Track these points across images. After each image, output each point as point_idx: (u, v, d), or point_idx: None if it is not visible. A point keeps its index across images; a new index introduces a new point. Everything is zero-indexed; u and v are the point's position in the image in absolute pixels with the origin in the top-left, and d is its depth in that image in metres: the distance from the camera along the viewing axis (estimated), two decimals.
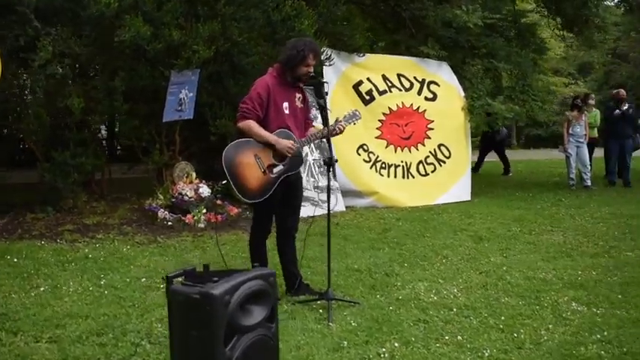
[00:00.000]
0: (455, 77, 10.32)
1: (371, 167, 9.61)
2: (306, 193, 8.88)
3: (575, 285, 5.20)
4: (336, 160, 4.62)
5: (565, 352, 3.75)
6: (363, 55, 9.69)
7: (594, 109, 12.29)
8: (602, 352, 3.73)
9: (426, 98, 10.06)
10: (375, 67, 9.82)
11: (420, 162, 9.97)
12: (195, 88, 8.12)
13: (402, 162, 9.87)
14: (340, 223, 8.09)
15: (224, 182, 4.55)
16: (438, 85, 10.13)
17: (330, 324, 4.19)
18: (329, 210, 4.75)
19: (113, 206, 8.36)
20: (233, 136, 4.76)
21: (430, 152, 10.02)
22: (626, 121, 11.78)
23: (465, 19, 9.32)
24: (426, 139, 10.03)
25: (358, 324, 4.22)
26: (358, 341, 3.91)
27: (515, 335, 4.03)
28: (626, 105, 11.86)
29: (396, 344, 3.85)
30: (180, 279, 2.84)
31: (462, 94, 10.23)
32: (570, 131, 11.36)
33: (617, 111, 11.73)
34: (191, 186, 8.10)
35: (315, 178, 9.01)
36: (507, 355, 3.73)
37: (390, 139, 9.84)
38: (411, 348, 3.81)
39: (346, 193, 9.32)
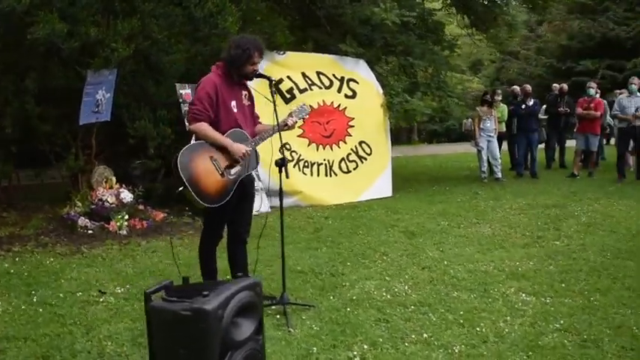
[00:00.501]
0: (372, 74, 10.41)
1: (294, 166, 9.49)
2: None
3: (517, 276, 5.34)
4: (289, 161, 4.50)
5: (530, 343, 3.82)
6: (284, 53, 9.57)
7: (501, 104, 12.77)
8: (565, 341, 3.82)
9: (346, 96, 10.07)
10: (295, 65, 9.72)
11: (342, 159, 9.98)
12: (113, 88, 7.71)
13: (324, 160, 9.83)
14: (269, 224, 7.92)
15: (180, 189, 4.28)
16: (357, 83, 10.17)
17: (291, 329, 4.07)
18: (282, 211, 4.62)
19: (25, 216, 7.82)
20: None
21: (352, 149, 10.05)
22: (531, 115, 12.32)
23: (382, 17, 9.39)
24: (347, 137, 10.03)
25: (320, 328, 4.12)
26: (325, 346, 3.81)
27: (478, 329, 4.06)
28: (532, 100, 12.41)
29: (365, 346, 3.79)
30: (159, 294, 2.62)
31: (380, 90, 10.33)
32: (481, 126, 11.74)
33: (524, 106, 12.25)
34: (111, 191, 7.70)
35: None
36: (476, 349, 3.75)
37: (311, 137, 9.77)
38: (380, 349, 3.76)
39: (269, 193, 9.16)
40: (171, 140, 8.24)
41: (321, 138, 9.86)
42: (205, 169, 4.30)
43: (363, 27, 10.10)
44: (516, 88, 13.45)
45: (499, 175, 11.88)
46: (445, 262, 5.83)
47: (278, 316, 4.36)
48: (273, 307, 4.49)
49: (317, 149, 9.80)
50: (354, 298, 4.80)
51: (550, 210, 8.48)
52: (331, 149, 9.92)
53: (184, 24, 7.72)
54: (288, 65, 9.64)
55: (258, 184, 8.98)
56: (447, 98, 10.29)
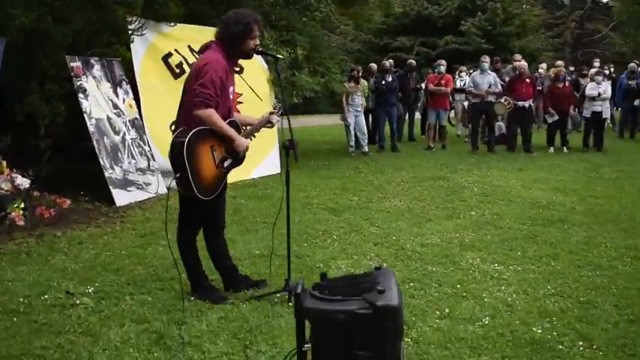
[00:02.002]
0: None
1: None
2: (130, 177, 8.14)
3: (468, 246, 5.75)
4: (297, 142, 4.41)
5: (539, 308, 4.21)
6: (175, 25, 9.04)
7: (363, 80, 13.25)
8: (568, 304, 4.28)
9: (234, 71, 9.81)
10: (183, 37, 9.23)
11: None
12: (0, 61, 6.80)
13: None
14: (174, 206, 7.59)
15: (177, 175, 4.00)
16: None
17: None
18: (288, 196, 4.50)
19: None
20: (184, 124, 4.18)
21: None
22: (391, 91, 12.95)
23: None
24: (235, 113, 9.81)
25: None
26: None
27: (485, 301, 4.35)
28: (390, 77, 13.04)
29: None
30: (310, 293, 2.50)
31: (265, 66, 10.22)
32: (349, 101, 12.13)
33: (384, 82, 12.84)
34: (3, 177, 6.82)
35: (135, 159, 8.26)
36: (499, 319, 4.02)
37: None
38: (416, 329, 3.87)
39: (164, 173, 8.73)
40: (64, 118, 7.51)
41: None
42: (207, 159, 4.13)
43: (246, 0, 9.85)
44: (373, 65, 14.01)
45: (365, 148, 12.39)
46: (393, 237, 6.07)
47: (290, 304, 4.27)
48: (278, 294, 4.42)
49: None
50: None
51: (438, 182, 9.12)
52: None
53: None
54: (177, 37, 9.14)
55: (153, 164, 8.55)
56: (330, 74, 10.47)
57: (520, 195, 8.11)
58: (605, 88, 12.50)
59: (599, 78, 12.69)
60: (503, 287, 4.63)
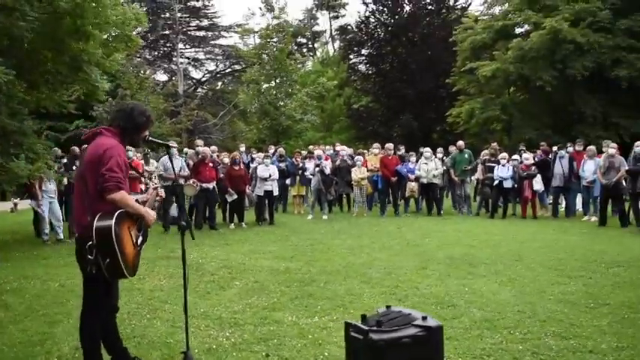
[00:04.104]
0: None
1: None
2: None
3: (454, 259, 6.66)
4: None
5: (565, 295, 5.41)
6: None
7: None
8: (581, 285, 5.56)
9: None
10: None
11: None
12: None
13: None
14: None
15: (107, 261, 4.11)
16: None
17: None
18: (185, 274, 4.82)
19: None
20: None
21: None
22: None
23: None
24: None
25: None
26: None
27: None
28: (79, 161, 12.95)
29: None
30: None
31: None
32: (43, 187, 11.73)
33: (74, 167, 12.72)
34: None
35: None
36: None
37: None
38: None
39: None
40: None
41: None
42: (128, 240, 4.33)
43: None
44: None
45: (61, 235, 12.03)
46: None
47: None
48: None
49: None
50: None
51: None
52: None
53: None
54: None
55: None
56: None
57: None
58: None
59: (267, 161, 14.88)
60: (529, 282, 5.71)
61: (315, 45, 56.52)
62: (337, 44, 53.82)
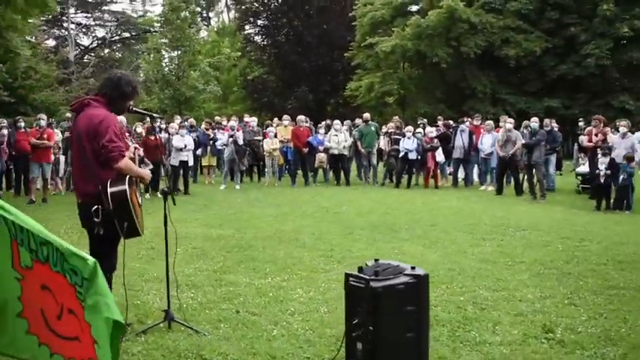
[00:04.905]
0: None
1: None
2: None
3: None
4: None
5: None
6: None
7: None
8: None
9: None
10: None
11: None
12: None
13: None
14: None
15: (126, 224, 4.35)
16: None
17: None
18: (166, 242, 5.03)
19: None
20: None
21: None
22: None
23: None
24: None
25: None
26: None
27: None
28: None
29: None
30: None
31: None
32: None
33: None
34: None
35: None
36: None
37: None
38: None
39: None
40: None
41: None
42: (136, 202, 4.63)
43: None
44: None
45: None
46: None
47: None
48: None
49: None
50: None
51: None
52: None
53: None
54: None
55: None
56: None
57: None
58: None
59: (183, 131, 14.92)
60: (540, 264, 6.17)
61: (210, 14, 55.64)
62: (232, 14, 53.28)
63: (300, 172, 17.62)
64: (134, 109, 4.96)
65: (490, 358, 4.42)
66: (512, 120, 15.36)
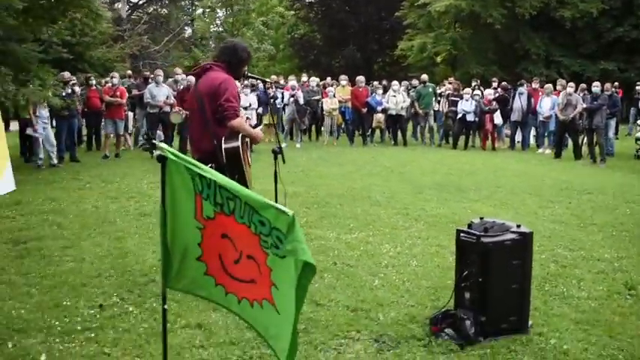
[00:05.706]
0: None
1: None
2: None
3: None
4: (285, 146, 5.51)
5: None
6: None
7: None
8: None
9: None
10: None
11: None
12: None
13: None
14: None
15: (236, 177, 4.77)
16: None
17: None
18: (276, 198, 5.46)
19: None
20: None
21: None
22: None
23: None
24: None
25: None
26: None
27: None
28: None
29: None
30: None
31: None
32: (37, 113, 11.88)
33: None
34: None
35: None
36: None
37: None
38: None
39: None
40: None
41: None
42: (246, 159, 5.02)
43: None
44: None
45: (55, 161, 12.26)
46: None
47: None
48: None
49: None
50: None
51: None
52: None
53: None
54: None
55: None
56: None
57: None
58: None
59: (247, 90, 15.32)
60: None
61: None
62: None
63: (357, 131, 17.96)
64: (248, 74, 5.37)
65: (581, 310, 4.80)
66: (572, 84, 15.34)
